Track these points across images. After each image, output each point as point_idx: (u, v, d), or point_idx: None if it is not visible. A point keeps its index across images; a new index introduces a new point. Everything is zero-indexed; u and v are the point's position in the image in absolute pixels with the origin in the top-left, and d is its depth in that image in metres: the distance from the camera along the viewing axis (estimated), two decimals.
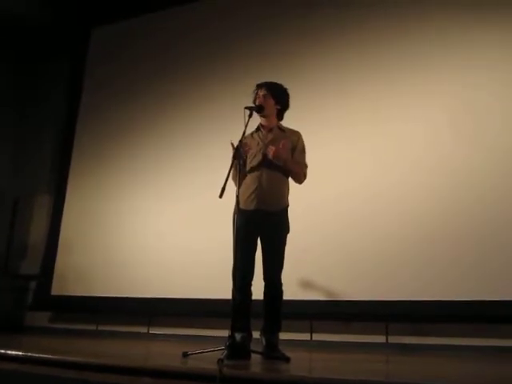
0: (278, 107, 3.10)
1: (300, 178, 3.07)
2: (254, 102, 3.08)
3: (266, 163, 2.96)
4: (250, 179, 2.98)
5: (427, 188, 3.98)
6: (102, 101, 5.87)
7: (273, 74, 3.40)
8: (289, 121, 3.20)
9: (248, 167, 3.01)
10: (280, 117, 3.15)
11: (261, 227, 2.93)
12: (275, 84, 3.12)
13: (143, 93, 5.57)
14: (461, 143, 3.97)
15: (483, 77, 4.02)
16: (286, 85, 3.14)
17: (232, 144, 2.88)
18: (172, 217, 4.93)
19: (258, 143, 3.04)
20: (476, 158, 3.89)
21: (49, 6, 6.03)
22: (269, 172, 2.96)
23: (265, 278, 2.91)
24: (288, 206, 3.03)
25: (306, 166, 3.09)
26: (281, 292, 2.92)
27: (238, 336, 2.70)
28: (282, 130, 3.11)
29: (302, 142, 3.11)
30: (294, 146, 3.06)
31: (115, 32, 6.14)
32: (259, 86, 3.11)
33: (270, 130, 3.08)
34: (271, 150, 2.88)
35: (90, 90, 6.03)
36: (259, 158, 2.99)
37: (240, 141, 2.91)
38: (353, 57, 4.55)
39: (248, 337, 2.82)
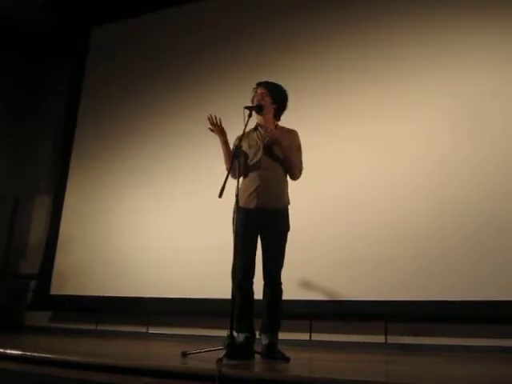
0: (275, 106, 3.11)
1: (296, 172, 3.07)
2: (253, 100, 3.10)
3: (266, 153, 2.98)
4: (250, 178, 2.99)
5: (427, 189, 3.97)
6: (101, 100, 5.87)
7: (273, 74, 3.40)
8: (288, 121, 3.20)
9: (249, 165, 3.01)
10: (277, 117, 3.16)
11: (261, 225, 2.94)
12: (274, 83, 3.14)
13: (143, 92, 5.57)
14: (461, 143, 3.96)
15: (483, 77, 4.02)
16: (284, 85, 3.15)
17: (209, 118, 2.99)
18: (172, 216, 4.92)
19: (257, 142, 3.05)
20: (476, 158, 3.89)
21: (48, 6, 6.02)
22: (269, 171, 2.98)
23: (265, 277, 2.91)
24: (289, 204, 3.04)
25: (300, 164, 3.10)
26: (280, 290, 2.92)
27: (241, 336, 2.73)
28: (279, 129, 3.12)
29: (299, 140, 3.12)
30: (291, 144, 3.07)
31: (115, 32, 6.14)
32: (258, 85, 3.14)
33: (268, 130, 3.08)
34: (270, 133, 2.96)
35: (89, 90, 6.02)
36: (259, 155, 3.00)
37: (240, 140, 2.95)
38: (353, 57, 4.55)
39: (252, 337, 2.82)
